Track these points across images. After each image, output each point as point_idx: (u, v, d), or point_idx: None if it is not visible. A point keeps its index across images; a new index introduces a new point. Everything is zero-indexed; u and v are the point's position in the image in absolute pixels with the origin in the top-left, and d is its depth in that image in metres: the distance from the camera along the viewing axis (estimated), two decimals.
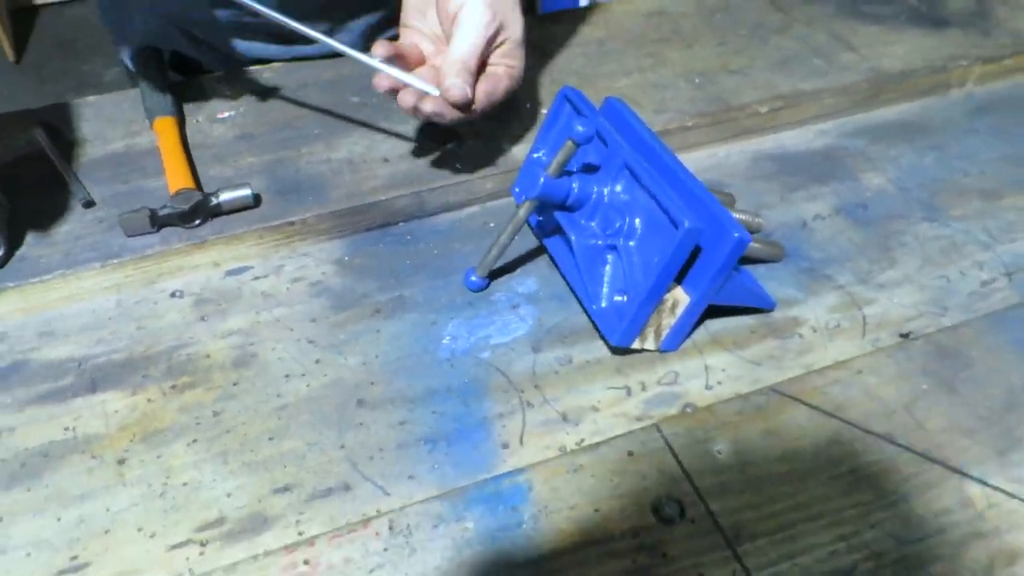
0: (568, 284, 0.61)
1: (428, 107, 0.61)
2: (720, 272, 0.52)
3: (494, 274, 0.62)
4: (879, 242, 0.65)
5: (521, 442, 0.52)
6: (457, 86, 0.60)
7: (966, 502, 0.46)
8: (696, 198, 0.54)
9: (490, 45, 0.64)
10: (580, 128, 0.54)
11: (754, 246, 0.61)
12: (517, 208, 0.59)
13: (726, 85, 0.78)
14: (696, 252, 0.54)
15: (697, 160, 0.74)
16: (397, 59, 0.64)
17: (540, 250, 0.65)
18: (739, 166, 0.74)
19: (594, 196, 0.59)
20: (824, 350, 0.57)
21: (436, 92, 0.61)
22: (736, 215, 0.63)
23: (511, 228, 0.60)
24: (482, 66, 0.64)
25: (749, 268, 0.62)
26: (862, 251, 0.65)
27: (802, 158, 0.74)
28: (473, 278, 0.62)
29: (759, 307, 0.58)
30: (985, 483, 0.46)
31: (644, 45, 0.84)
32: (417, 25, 0.68)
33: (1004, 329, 0.56)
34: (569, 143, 0.55)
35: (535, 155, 0.66)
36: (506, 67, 0.65)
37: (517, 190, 0.61)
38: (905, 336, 0.57)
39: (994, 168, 0.73)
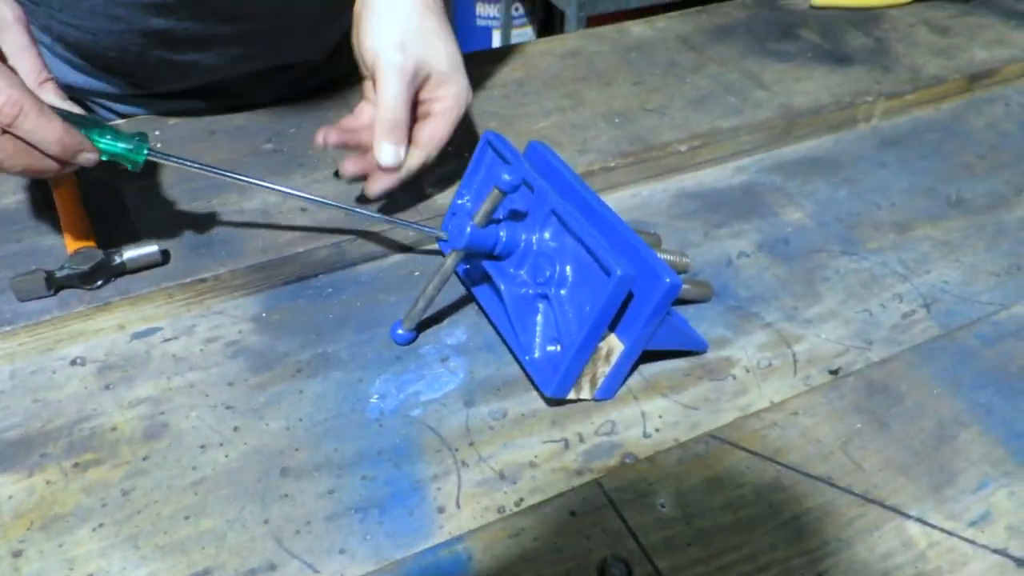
0: (499, 334, 0.59)
1: (376, 187, 0.63)
2: (652, 318, 0.51)
3: (422, 325, 0.60)
4: (802, 277, 0.66)
5: (458, 505, 0.49)
6: (387, 150, 0.59)
7: (908, 543, 0.46)
8: (625, 242, 0.53)
9: (413, 87, 0.62)
10: (506, 177, 0.52)
11: (685, 287, 0.60)
12: (444, 258, 0.57)
13: (645, 124, 0.79)
14: (628, 298, 0.53)
15: (621, 200, 0.73)
16: (350, 139, 0.64)
17: (468, 299, 0.63)
18: (662, 205, 0.74)
19: (522, 244, 0.57)
20: (758, 390, 0.56)
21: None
22: (662, 255, 0.63)
23: (438, 279, 0.58)
24: (416, 108, 0.62)
25: (679, 309, 0.62)
26: (787, 287, 0.65)
27: (723, 195, 0.75)
28: (400, 331, 0.59)
29: (692, 350, 0.58)
30: (924, 522, 0.47)
31: (562, 85, 0.84)
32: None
33: (929, 361, 0.57)
34: (495, 191, 0.54)
35: (459, 201, 0.65)
36: (439, 102, 0.63)
37: (445, 238, 0.60)
38: (835, 372, 0.58)
39: (904, 200, 0.75)
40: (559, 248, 0.56)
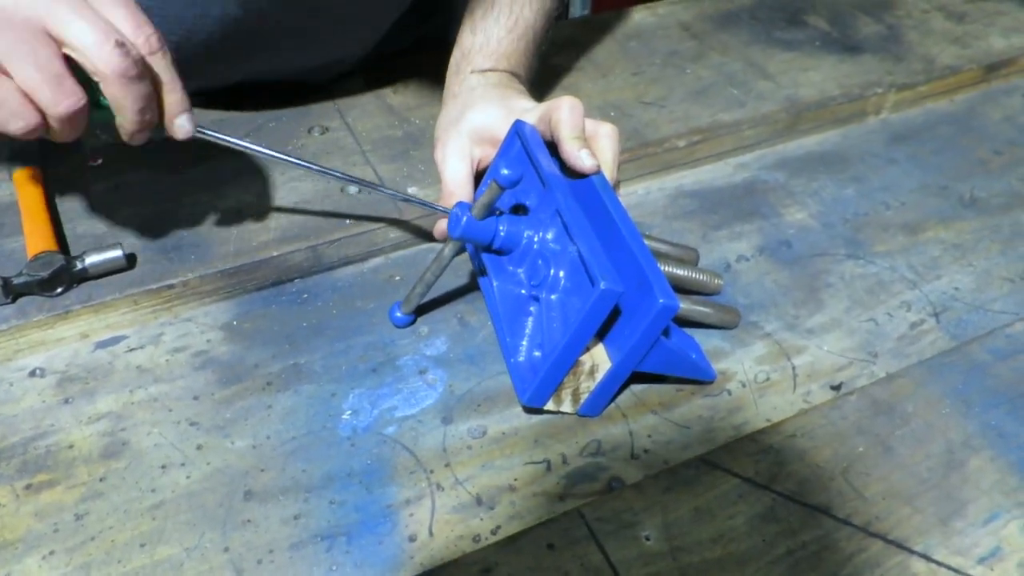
0: (496, 332, 0.56)
1: None
2: (643, 340, 0.48)
3: (420, 309, 0.58)
4: (805, 283, 0.63)
5: (431, 533, 0.46)
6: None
7: None
8: (630, 255, 0.49)
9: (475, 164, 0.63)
10: (505, 171, 0.49)
11: (703, 311, 0.57)
12: (443, 245, 0.55)
13: (642, 118, 0.75)
14: (620, 314, 0.50)
15: None
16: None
17: (453, 304, 0.60)
18: (659, 204, 0.70)
19: (524, 241, 0.54)
20: (755, 408, 0.53)
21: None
22: (695, 274, 0.59)
23: (435, 266, 0.56)
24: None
25: (696, 332, 0.58)
26: (788, 293, 0.61)
27: (723, 194, 0.71)
28: (398, 313, 0.57)
29: (697, 379, 0.54)
30: (929, 558, 0.43)
31: (558, 76, 0.80)
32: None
33: (939, 379, 0.54)
34: (493, 185, 0.50)
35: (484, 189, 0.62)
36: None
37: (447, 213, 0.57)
38: (837, 388, 0.54)
39: (914, 199, 0.71)
40: (559, 251, 0.53)
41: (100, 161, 0.67)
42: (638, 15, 0.91)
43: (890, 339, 0.58)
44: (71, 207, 0.64)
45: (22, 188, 0.63)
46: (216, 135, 0.52)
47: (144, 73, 0.46)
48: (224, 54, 0.69)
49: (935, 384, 0.53)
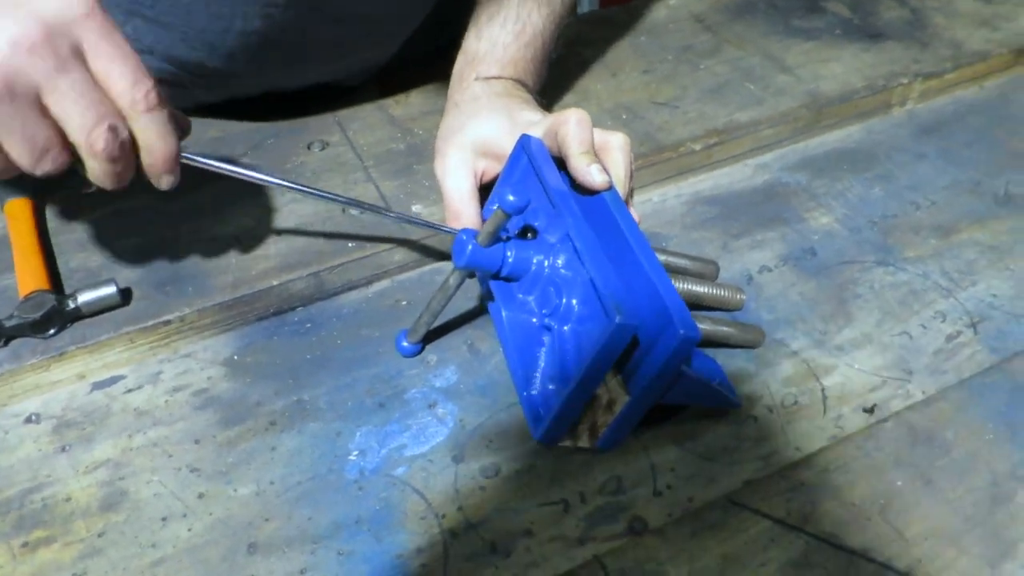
0: (508, 362, 0.54)
1: None
2: (664, 371, 0.45)
3: (428, 336, 0.56)
4: (833, 294, 0.59)
5: None
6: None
7: None
8: (647, 280, 0.46)
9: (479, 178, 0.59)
10: (511, 197, 0.46)
11: (725, 331, 0.54)
12: (448, 274, 0.52)
13: (655, 120, 0.71)
14: (637, 344, 0.47)
15: None
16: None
17: (462, 329, 0.57)
18: (676, 212, 0.67)
19: (534, 267, 0.51)
20: (783, 436, 0.50)
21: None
22: (716, 290, 0.56)
23: (440, 295, 0.53)
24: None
25: (718, 353, 0.55)
26: (815, 307, 0.58)
27: (743, 198, 0.68)
28: (405, 343, 0.55)
29: (722, 406, 0.51)
30: None
31: (566, 78, 0.77)
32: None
33: (981, 401, 0.50)
34: (499, 212, 0.47)
35: (492, 207, 0.59)
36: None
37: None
38: (870, 411, 0.51)
39: (946, 198, 0.67)
40: (571, 279, 0.50)
41: (94, 188, 0.65)
42: (648, 7, 0.87)
43: (925, 354, 0.55)
44: (65, 239, 0.62)
45: (14, 221, 0.60)
46: (208, 163, 0.50)
47: (128, 152, 0.44)
48: (248, 67, 0.66)
49: (976, 407, 0.50)
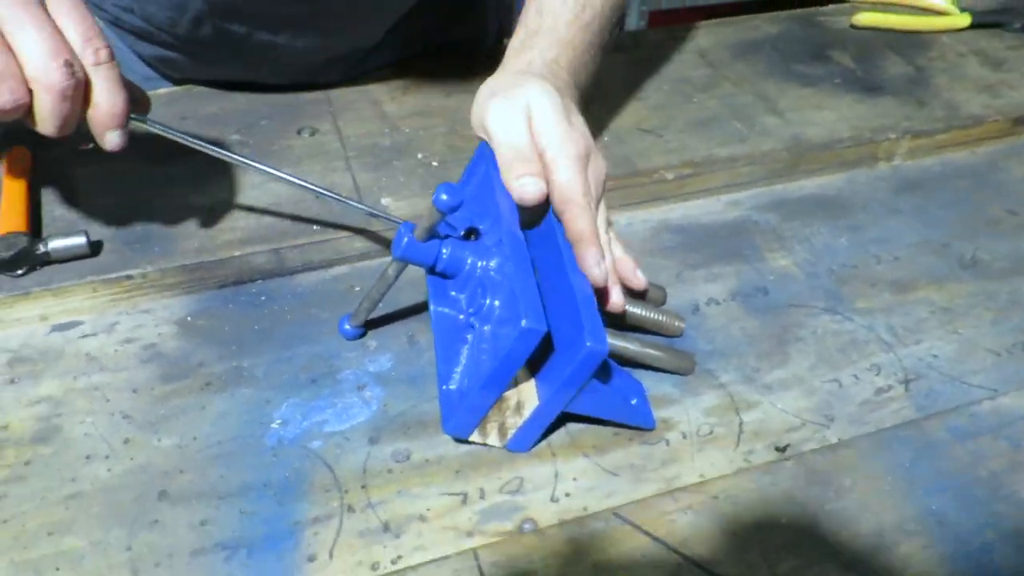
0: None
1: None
2: (571, 381, 0.46)
3: (372, 323, 0.58)
4: (774, 334, 0.60)
5: (331, 555, 0.46)
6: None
7: None
8: (569, 292, 0.48)
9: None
10: (444, 196, 0.48)
11: (654, 354, 0.55)
12: (387, 264, 0.54)
13: (636, 146, 0.73)
14: (551, 352, 0.49)
15: None
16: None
17: (407, 321, 0.59)
18: (639, 236, 0.68)
19: (467, 267, 0.53)
20: (691, 461, 0.51)
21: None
22: (654, 315, 0.57)
23: (380, 284, 0.55)
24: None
25: (646, 376, 0.56)
26: (754, 344, 0.59)
27: (708, 231, 0.69)
28: (347, 326, 0.57)
29: (634, 425, 0.52)
30: None
31: None
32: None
33: (887, 452, 0.51)
34: (433, 209, 0.50)
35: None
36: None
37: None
38: (782, 450, 0.52)
39: (910, 255, 0.67)
40: (499, 282, 0.52)
41: (92, 146, 0.69)
42: (656, 36, 0.89)
43: (851, 403, 0.55)
44: (53, 190, 0.65)
45: (9, 168, 0.64)
46: (172, 132, 0.53)
47: (79, 95, 0.47)
48: (215, 36, 0.69)
49: (882, 458, 0.50)
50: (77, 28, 0.46)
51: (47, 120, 0.47)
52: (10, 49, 0.44)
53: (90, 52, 0.46)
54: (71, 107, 0.47)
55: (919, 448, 0.51)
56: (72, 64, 0.45)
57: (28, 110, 0.47)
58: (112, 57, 0.47)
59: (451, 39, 0.85)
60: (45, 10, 0.45)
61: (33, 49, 0.44)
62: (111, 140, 0.50)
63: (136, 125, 0.52)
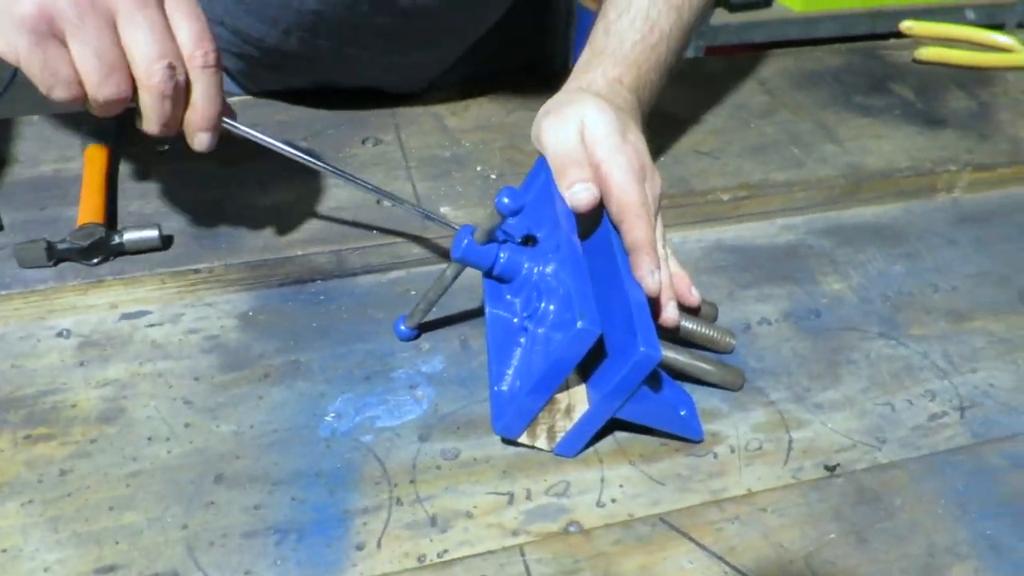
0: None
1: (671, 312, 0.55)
2: (620, 386, 0.47)
3: (427, 325, 0.60)
4: (825, 356, 0.60)
5: (379, 545, 0.47)
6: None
7: None
8: (624, 300, 0.49)
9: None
10: (505, 200, 0.50)
11: (703, 367, 0.55)
12: (446, 266, 0.56)
13: (692, 167, 0.74)
14: (603, 357, 0.49)
15: None
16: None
17: (459, 325, 0.60)
18: (692, 255, 0.69)
19: (524, 271, 0.54)
20: (738, 475, 0.51)
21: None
22: (706, 330, 0.58)
23: (437, 285, 0.57)
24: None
25: (696, 389, 0.56)
26: (804, 364, 0.59)
27: (761, 253, 0.69)
28: (402, 327, 0.59)
29: (683, 436, 0.53)
30: None
31: None
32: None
33: (941, 476, 0.50)
34: (494, 212, 0.51)
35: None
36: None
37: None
38: (831, 469, 0.51)
39: (968, 285, 0.67)
40: (555, 287, 0.53)
41: (167, 147, 0.72)
42: (715, 64, 0.90)
43: (904, 427, 0.55)
44: (130, 186, 0.68)
45: (90, 163, 0.68)
46: (250, 133, 0.55)
47: (180, 96, 0.49)
48: (301, 47, 0.71)
49: (934, 480, 0.50)
50: (191, 29, 0.48)
51: (150, 117, 0.49)
52: (121, 45, 0.47)
53: (200, 55, 0.49)
54: (172, 107, 0.49)
55: (973, 473, 0.50)
56: (175, 67, 0.48)
57: (135, 107, 0.50)
58: (219, 62, 0.50)
59: (521, 61, 0.87)
60: (162, 9, 0.47)
61: (141, 48, 0.47)
62: (201, 141, 0.52)
63: (224, 128, 0.54)
